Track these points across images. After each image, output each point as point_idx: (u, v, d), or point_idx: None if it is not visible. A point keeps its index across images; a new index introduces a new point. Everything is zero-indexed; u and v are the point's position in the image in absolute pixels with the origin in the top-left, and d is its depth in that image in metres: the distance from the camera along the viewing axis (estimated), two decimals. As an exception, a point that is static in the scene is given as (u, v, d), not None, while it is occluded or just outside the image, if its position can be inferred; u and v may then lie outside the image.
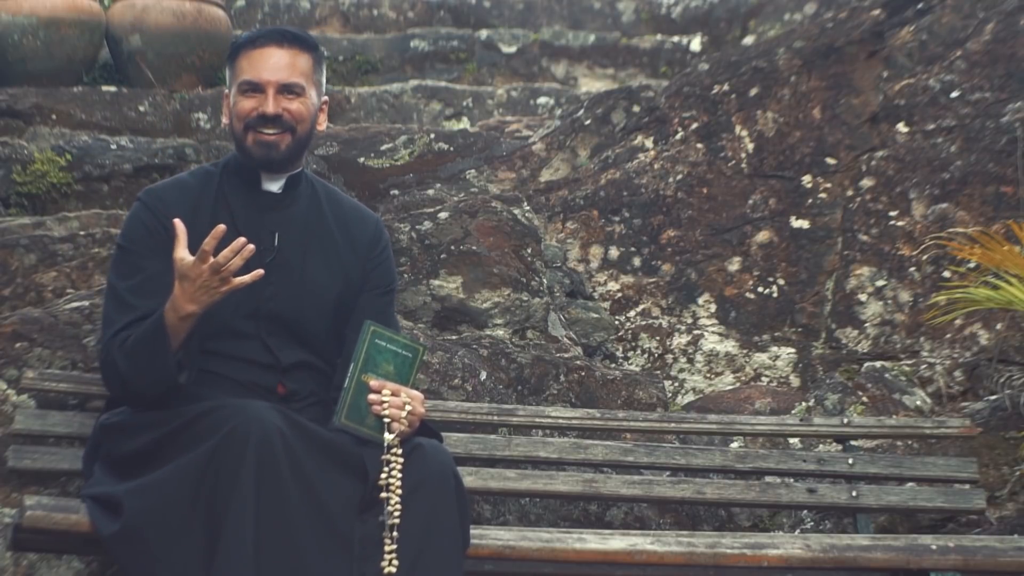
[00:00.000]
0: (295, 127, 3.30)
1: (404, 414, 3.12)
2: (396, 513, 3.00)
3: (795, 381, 5.13)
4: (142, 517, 2.94)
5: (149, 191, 3.37)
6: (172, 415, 3.09)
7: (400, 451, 3.08)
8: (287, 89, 3.28)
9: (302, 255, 3.34)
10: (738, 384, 5.12)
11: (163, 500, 2.94)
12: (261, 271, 3.10)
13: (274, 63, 3.29)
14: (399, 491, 3.02)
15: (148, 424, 3.12)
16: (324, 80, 3.42)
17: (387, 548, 2.98)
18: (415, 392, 3.17)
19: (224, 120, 3.40)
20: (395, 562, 2.97)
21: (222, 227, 3.06)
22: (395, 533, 2.99)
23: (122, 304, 3.22)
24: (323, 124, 3.41)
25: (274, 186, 3.36)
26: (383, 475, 3.03)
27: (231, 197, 3.33)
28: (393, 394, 3.13)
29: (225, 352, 3.24)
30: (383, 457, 3.05)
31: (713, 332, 5.22)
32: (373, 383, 3.13)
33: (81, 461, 3.33)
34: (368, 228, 3.45)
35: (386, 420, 3.10)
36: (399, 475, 3.04)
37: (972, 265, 4.94)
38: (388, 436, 3.09)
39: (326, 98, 3.43)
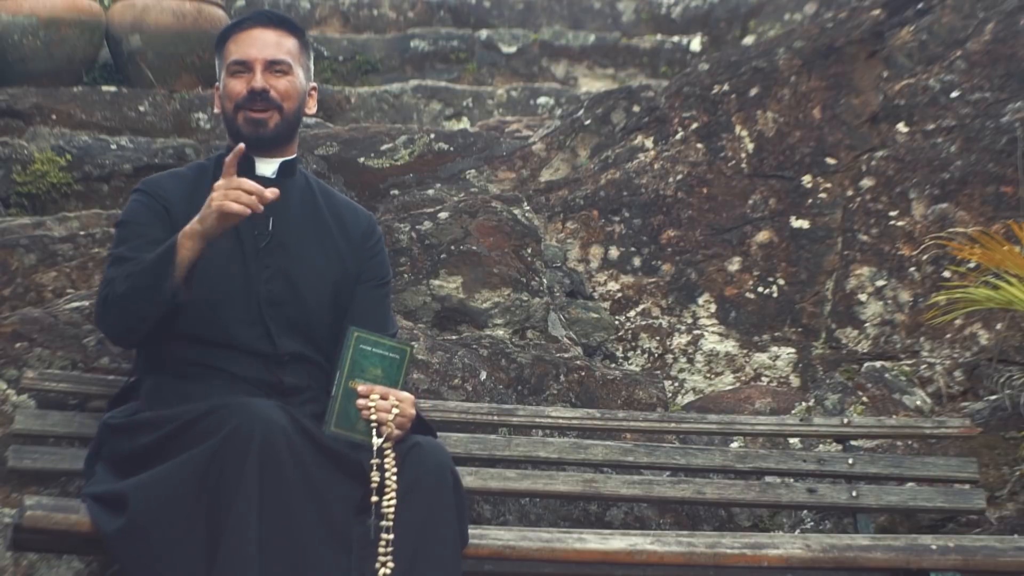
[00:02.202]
0: (282, 104, 3.34)
1: (392, 417, 3.12)
2: (390, 516, 3.01)
3: (795, 381, 5.13)
4: (146, 514, 2.94)
5: (146, 181, 3.43)
6: (176, 414, 3.09)
7: (392, 454, 3.08)
8: (274, 65, 3.34)
9: (298, 239, 3.36)
10: (738, 384, 5.12)
11: (167, 496, 2.94)
12: (277, 191, 3.11)
13: (261, 42, 3.35)
14: (393, 493, 3.03)
15: (152, 424, 3.12)
16: (311, 66, 3.47)
17: (381, 550, 2.98)
18: (404, 394, 3.18)
19: (216, 109, 3.44)
20: (390, 564, 2.98)
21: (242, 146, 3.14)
22: (390, 535, 2.99)
23: (121, 261, 3.24)
24: (312, 109, 3.46)
25: (268, 170, 3.38)
26: (375, 478, 3.04)
27: None
28: (382, 397, 3.13)
29: (226, 342, 3.25)
30: (372, 461, 3.06)
31: (713, 332, 5.22)
32: (361, 388, 3.14)
33: (83, 461, 3.33)
34: (361, 221, 3.48)
35: (374, 424, 3.11)
36: (394, 478, 3.04)
37: (972, 265, 4.94)
38: (377, 440, 3.09)
39: (314, 84, 3.48)
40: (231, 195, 3.05)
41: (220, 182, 3.09)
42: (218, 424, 2.98)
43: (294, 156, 3.44)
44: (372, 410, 3.12)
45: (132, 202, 3.37)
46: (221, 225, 3.09)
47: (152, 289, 3.12)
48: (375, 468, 3.05)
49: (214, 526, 2.90)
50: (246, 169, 3.37)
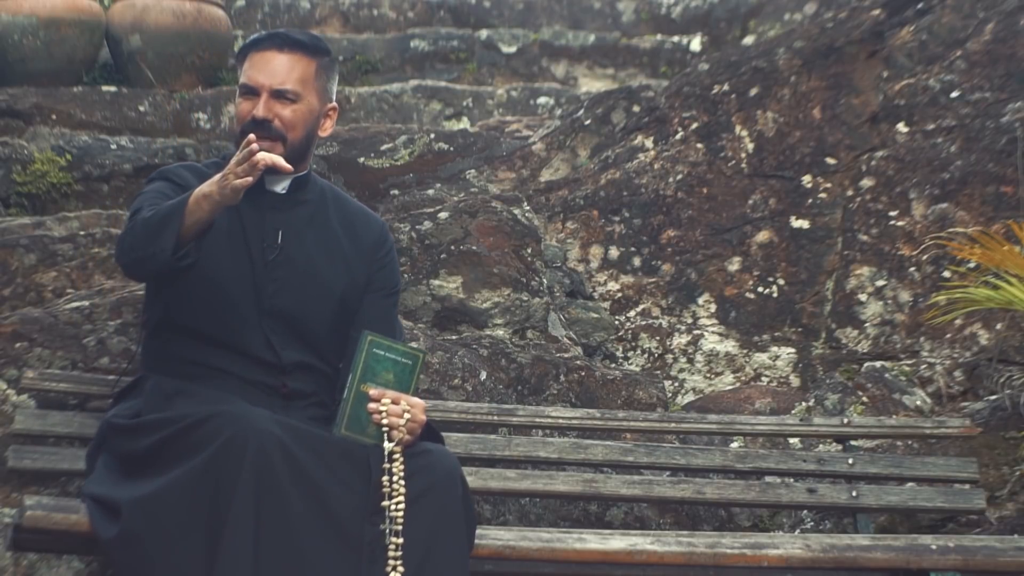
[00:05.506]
0: (285, 135, 3.28)
1: (403, 422, 3.12)
2: (399, 520, 3.01)
3: (795, 381, 5.13)
4: (141, 525, 2.94)
5: (164, 169, 3.38)
6: (173, 418, 3.09)
7: (401, 459, 3.08)
8: (280, 95, 3.28)
9: (306, 253, 3.35)
10: (738, 384, 5.12)
11: (162, 512, 2.95)
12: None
13: (271, 67, 3.29)
14: (401, 499, 3.03)
15: (151, 426, 3.12)
16: (331, 87, 3.39)
17: (390, 555, 2.99)
18: (416, 400, 3.18)
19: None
20: (400, 568, 2.98)
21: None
22: (400, 540, 3.00)
23: (153, 197, 3.19)
24: (328, 131, 3.40)
25: (278, 187, 3.37)
26: (385, 483, 3.04)
27: None
28: (393, 402, 3.13)
29: (230, 347, 3.25)
30: (383, 466, 3.06)
31: (713, 332, 5.22)
32: (373, 392, 3.14)
33: (84, 459, 3.33)
34: (373, 230, 3.46)
35: (385, 428, 3.11)
36: (402, 483, 3.05)
37: (972, 265, 4.94)
38: (388, 444, 3.09)
39: (335, 104, 3.41)
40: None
41: (239, 156, 3.00)
42: (212, 435, 2.97)
43: (306, 171, 3.41)
44: (383, 414, 3.12)
45: (154, 183, 3.30)
46: (235, 198, 3.03)
47: (167, 226, 3.04)
48: (384, 473, 3.05)
49: (211, 538, 2.91)
50: (257, 185, 3.35)
